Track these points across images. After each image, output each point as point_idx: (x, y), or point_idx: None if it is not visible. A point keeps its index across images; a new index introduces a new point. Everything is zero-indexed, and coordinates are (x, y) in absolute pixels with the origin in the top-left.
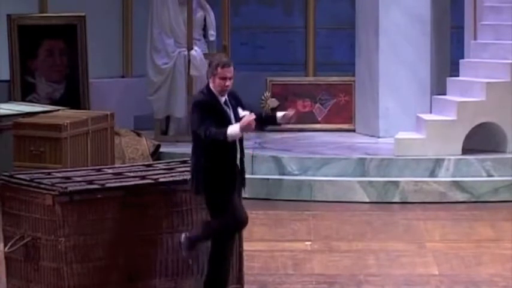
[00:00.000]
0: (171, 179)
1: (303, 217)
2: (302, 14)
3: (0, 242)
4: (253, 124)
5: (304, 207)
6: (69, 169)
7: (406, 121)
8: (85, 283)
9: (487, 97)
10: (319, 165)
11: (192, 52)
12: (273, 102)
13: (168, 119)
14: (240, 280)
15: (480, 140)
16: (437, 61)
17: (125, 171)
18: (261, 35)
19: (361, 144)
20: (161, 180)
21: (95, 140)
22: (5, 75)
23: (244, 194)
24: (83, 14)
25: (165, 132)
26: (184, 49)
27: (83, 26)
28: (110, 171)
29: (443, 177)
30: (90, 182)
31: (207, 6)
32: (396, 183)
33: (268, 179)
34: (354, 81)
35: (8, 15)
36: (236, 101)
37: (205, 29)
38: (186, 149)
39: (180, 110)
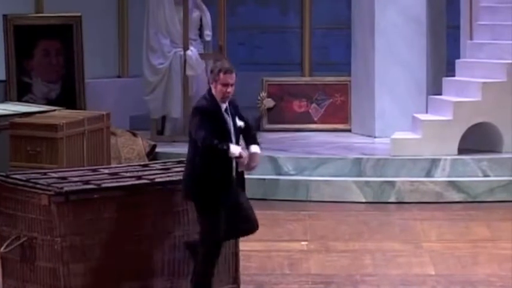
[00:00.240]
0: (167, 179)
1: (299, 217)
2: (298, 14)
3: None
4: (245, 162)
5: (301, 207)
6: (65, 169)
7: (402, 121)
8: (81, 283)
9: (483, 97)
10: (315, 165)
11: (188, 52)
12: (269, 102)
13: (164, 119)
14: (236, 280)
15: (476, 140)
16: (433, 61)
17: (121, 171)
18: (257, 35)
19: (357, 144)
20: (157, 180)
21: (91, 140)
22: (1, 76)
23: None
24: (79, 14)
25: (161, 132)
26: (180, 49)
27: (79, 26)
28: (106, 171)
29: (440, 177)
30: (86, 182)
31: (203, 6)
32: (392, 183)
33: (264, 179)
34: (350, 81)
35: (4, 15)
36: (235, 110)
37: (201, 29)
38: (182, 149)
39: (176, 110)
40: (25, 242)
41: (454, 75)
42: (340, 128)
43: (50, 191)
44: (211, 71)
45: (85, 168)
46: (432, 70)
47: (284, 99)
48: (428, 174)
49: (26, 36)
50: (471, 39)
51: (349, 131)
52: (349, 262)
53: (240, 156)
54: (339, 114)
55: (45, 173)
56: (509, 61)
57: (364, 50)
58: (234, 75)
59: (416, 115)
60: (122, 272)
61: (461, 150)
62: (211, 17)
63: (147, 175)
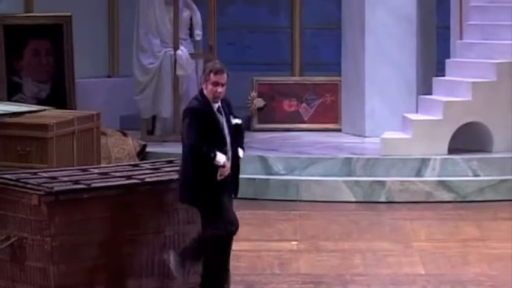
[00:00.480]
0: (157, 179)
1: (290, 217)
2: (288, 14)
3: None
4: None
5: (291, 207)
6: (55, 169)
7: (393, 121)
8: (71, 283)
9: (473, 97)
10: (305, 165)
11: (178, 52)
12: (259, 102)
13: (154, 118)
14: (226, 281)
15: (466, 139)
16: (423, 61)
17: (111, 171)
18: (247, 35)
19: (347, 144)
20: (147, 180)
21: (81, 139)
22: None
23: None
24: (69, 13)
25: (151, 132)
26: (170, 49)
27: (69, 26)
28: (96, 171)
29: (430, 176)
30: (76, 182)
31: (194, 6)
32: (382, 182)
33: (254, 178)
34: (340, 81)
35: None
36: (229, 108)
37: (191, 28)
38: (172, 148)
39: (166, 109)
40: (15, 242)
41: (444, 75)
42: (331, 128)
43: (40, 190)
44: (203, 71)
45: (75, 168)
46: (422, 70)
47: (274, 99)
48: (419, 173)
49: (16, 36)
50: (461, 39)
51: (340, 130)
52: (339, 262)
53: (223, 166)
54: (329, 114)
55: (35, 173)
56: (499, 61)
57: (354, 50)
58: (225, 75)
59: (406, 115)
60: (112, 272)
61: (451, 150)
62: (201, 17)
63: (137, 175)
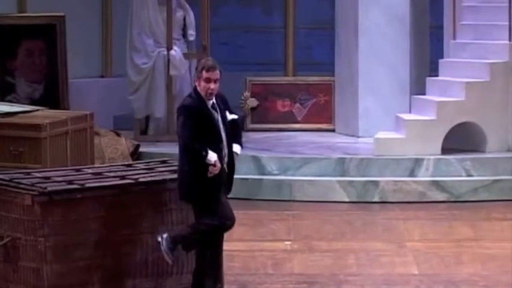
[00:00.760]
0: (150, 179)
1: (283, 217)
2: (282, 14)
3: None
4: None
5: (284, 207)
6: (48, 169)
7: (386, 121)
8: (64, 283)
9: (467, 97)
10: (299, 165)
11: (172, 52)
12: (253, 102)
13: (147, 118)
14: (220, 280)
15: (459, 139)
16: (416, 61)
17: (104, 171)
18: (240, 35)
19: (340, 144)
20: (141, 180)
21: (74, 140)
22: None
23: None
24: (62, 14)
25: (144, 132)
26: (163, 49)
27: (62, 26)
28: (90, 171)
29: (423, 176)
30: (70, 182)
31: (187, 6)
32: (376, 183)
33: (247, 178)
34: (333, 81)
35: None
36: (224, 105)
37: (184, 28)
38: (166, 148)
39: (160, 109)
40: (8, 242)
41: (437, 75)
42: (324, 128)
43: (33, 191)
44: (196, 69)
45: (69, 168)
46: (415, 70)
47: (268, 99)
48: (412, 174)
49: (9, 36)
50: (454, 39)
51: (333, 130)
52: (333, 262)
53: (214, 165)
54: (322, 114)
55: (28, 173)
56: (493, 61)
57: (347, 49)
58: (217, 72)
59: (399, 115)
60: (105, 272)
61: (445, 150)
62: (194, 17)
63: (130, 175)
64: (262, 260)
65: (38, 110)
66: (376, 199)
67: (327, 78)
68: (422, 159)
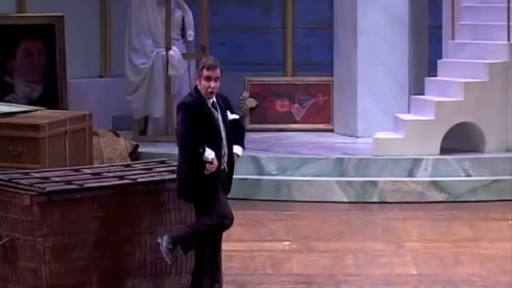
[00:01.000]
0: (149, 179)
1: (282, 217)
2: (280, 14)
3: None
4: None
5: (283, 207)
6: (47, 169)
7: (385, 121)
8: (63, 283)
9: (465, 97)
10: (297, 165)
11: (171, 52)
12: (251, 102)
13: (146, 119)
14: (218, 280)
15: (458, 139)
16: (415, 61)
17: (103, 171)
18: (239, 35)
19: (339, 144)
20: (140, 180)
21: (73, 140)
22: None
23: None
24: (61, 14)
25: (143, 132)
26: (162, 49)
27: (61, 26)
28: (88, 171)
29: (422, 177)
30: (69, 182)
31: (186, 6)
32: (375, 183)
33: (246, 179)
34: (332, 81)
35: None
36: (225, 104)
37: (183, 29)
38: (165, 149)
39: (159, 110)
40: (7, 243)
41: (436, 75)
42: (323, 128)
43: (32, 191)
44: (196, 68)
45: (67, 168)
46: (414, 70)
47: (266, 99)
48: (411, 174)
49: (7, 36)
50: (453, 39)
51: (332, 131)
52: (331, 262)
53: (211, 162)
54: (321, 114)
55: (27, 173)
56: (491, 61)
57: (346, 50)
58: (218, 70)
59: (398, 115)
60: (104, 272)
61: (444, 150)
62: (193, 17)
63: (129, 175)
64: (261, 260)
65: (36, 110)
66: (374, 199)
67: (326, 78)
68: (421, 160)
